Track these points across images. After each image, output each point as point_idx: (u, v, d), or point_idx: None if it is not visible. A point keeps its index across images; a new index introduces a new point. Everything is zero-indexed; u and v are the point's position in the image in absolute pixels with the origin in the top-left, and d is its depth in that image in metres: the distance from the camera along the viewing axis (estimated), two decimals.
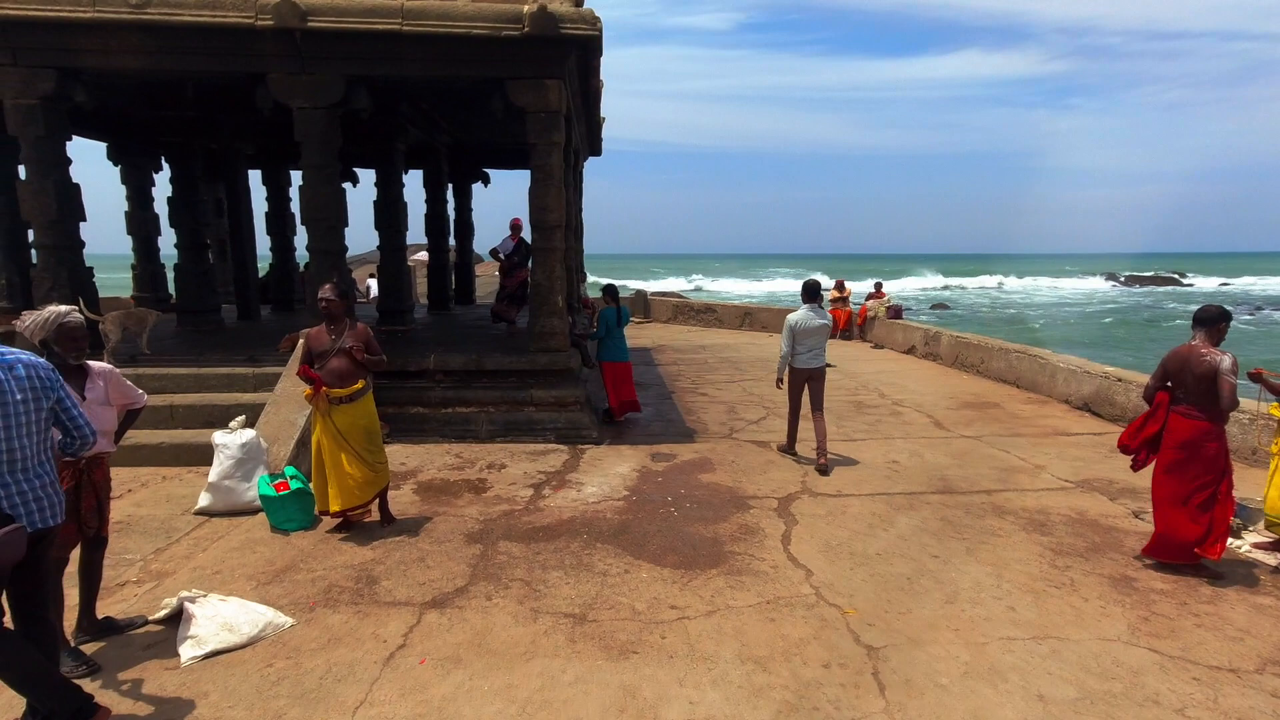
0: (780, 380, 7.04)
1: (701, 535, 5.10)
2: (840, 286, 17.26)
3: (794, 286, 65.68)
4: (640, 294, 22.42)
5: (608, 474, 6.57)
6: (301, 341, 4.92)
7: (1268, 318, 38.37)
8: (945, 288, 67.61)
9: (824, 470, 6.59)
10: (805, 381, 6.92)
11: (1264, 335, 30.76)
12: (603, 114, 13.11)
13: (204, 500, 5.36)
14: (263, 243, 12.99)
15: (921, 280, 75.24)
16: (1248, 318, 37.04)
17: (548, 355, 7.90)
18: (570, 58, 7.60)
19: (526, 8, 7.07)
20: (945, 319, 38.06)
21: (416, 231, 13.52)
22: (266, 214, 12.80)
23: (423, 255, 19.70)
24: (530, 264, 8.71)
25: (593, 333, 9.03)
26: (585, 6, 7.36)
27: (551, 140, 7.68)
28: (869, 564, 4.64)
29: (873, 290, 16.80)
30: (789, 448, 7.20)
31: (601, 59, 8.28)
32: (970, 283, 73.85)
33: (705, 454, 7.25)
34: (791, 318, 6.80)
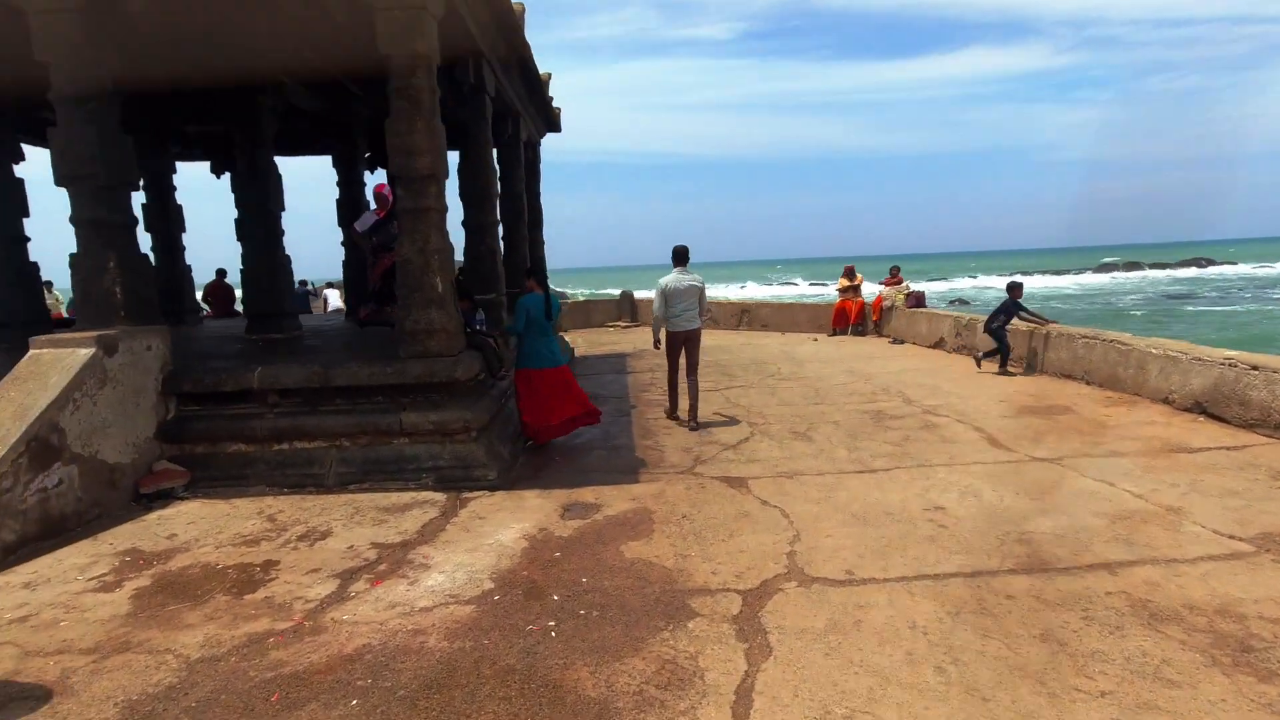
0: (657, 342, 7.17)
1: (581, 693, 2.64)
2: (850, 274, 14.74)
3: (809, 289, 62.97)
4: (626, 294, 20.01)
5: (479, 546, 4.12)
6: None
7: None
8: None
9: (695, 428, 6.78)
10: (682, 344, 6.95)
11: None
12: (546, 69, 10.75)
13: None
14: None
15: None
16: None
17: (423, 363, 5.48)
18: None
19: None
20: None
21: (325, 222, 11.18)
22: (144, 205, 10.53)
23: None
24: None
25: (510, 325, 6.66)
26: None
27: (414, 51, 5.30)
28: None
29: (888, 276, 14.27)
30: (672, 412, 7.19)
31: None
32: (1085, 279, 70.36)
33: (648, 502, 4.78)
34: (662, 280, 6.85)
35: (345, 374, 5.47)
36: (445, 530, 4.40)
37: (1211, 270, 67.95)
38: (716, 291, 62.95)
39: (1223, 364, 6.19)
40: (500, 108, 9.60)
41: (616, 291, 21.55)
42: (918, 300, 13.26)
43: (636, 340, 15.27)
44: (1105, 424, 6.40)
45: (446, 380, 5.46)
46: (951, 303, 41.95)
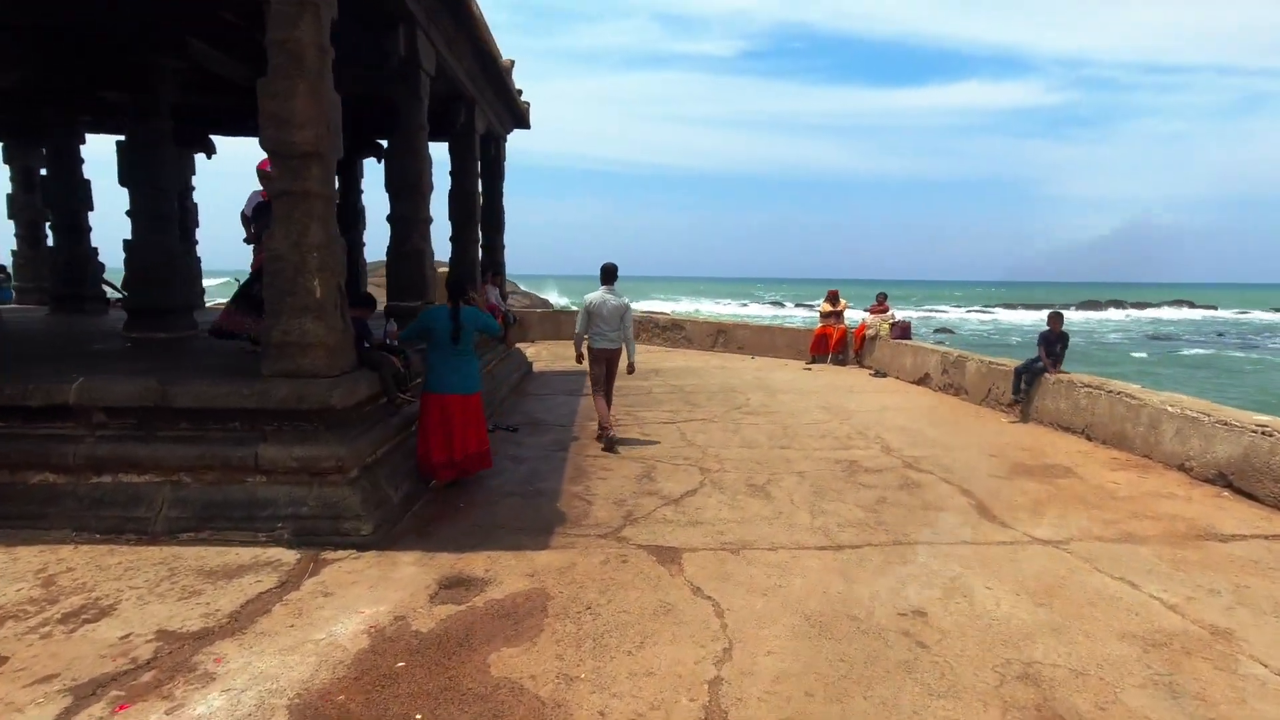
0: (580, 356, 6.93)
1: None
2: (834, 299, 13.83)
3: (794, 310, 61.97)
4: None
5: (302, 643, 3.04)
6: None
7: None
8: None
9: (610, 445, 6.57)
10: (605, 361, 6.85)
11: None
12: (508, 57, 9.77)
13: None
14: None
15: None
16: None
17: (291, 384, 4.40)
18: None
19: None
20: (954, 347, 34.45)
21: None
22: (43, 179, 9.39)
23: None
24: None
25: (397, 341, 5.66)
26: None
27: None
28: None
29: (874, 303, 13.35)
30: (603, 438, 6.70)
31: None
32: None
33: (550, 580, 3.73)
34: (587, 297, 6.83)
35: (190, 393, 4.37)
36: (271, 612, 3.32)
37: (1195, 313, 68.24)
38: (699, 308, 62.13)
39: (1255, 431, 5.26)
40: (447, 91, 8.60)
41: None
42: (903, 331, 12.35)
43: None
44: (1114, 494, 5.43)
45: (319, 407, 4.38)
46: (936, 331, 41.34)
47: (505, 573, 3.83)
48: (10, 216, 11.58)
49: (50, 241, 11.15)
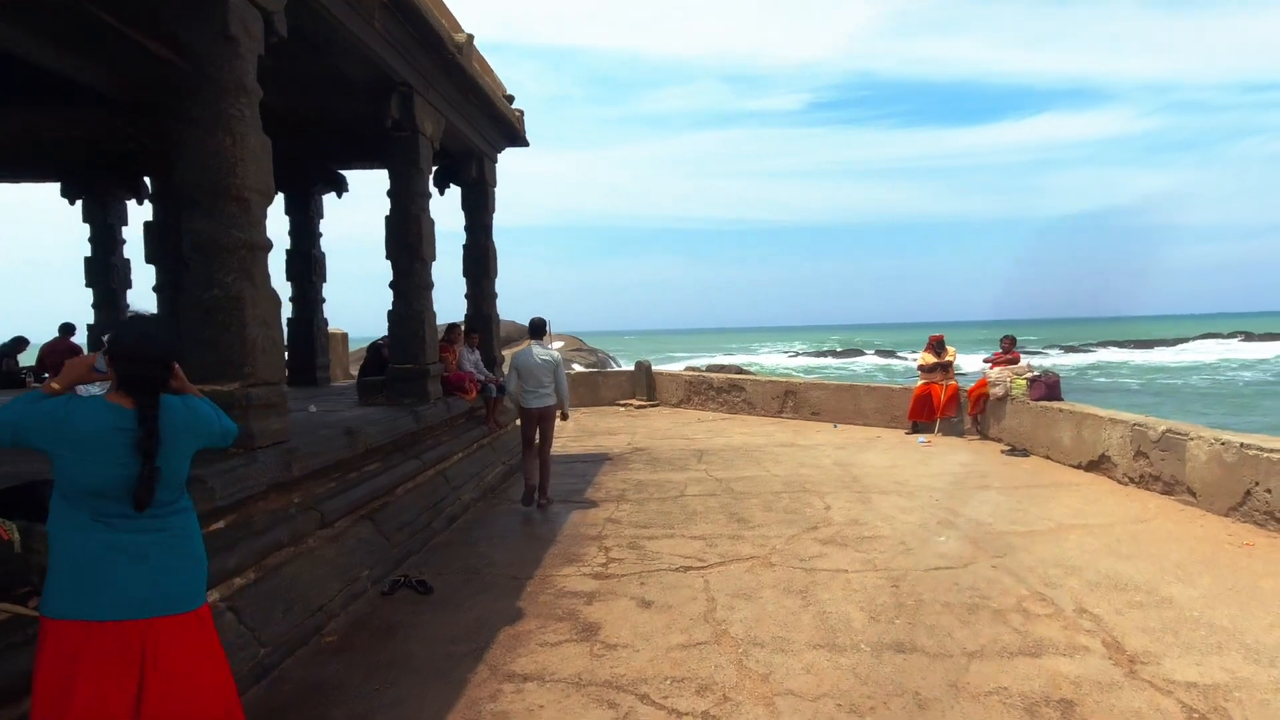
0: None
1: None
2: (938, 347, 10.29)
3: (877, 359, 56.71)
4: (642, 366, 15.92)
5: None
6: None
7: None
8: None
9: (543, 508, 6.30)
10: (536, 421, 6.43)
11: None
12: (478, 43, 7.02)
13: None
14: None
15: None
16: None
17: None
18: None
19: None
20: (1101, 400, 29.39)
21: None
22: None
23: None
24: None
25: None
26: None
27: None
28: None
29: (998, 350, 9.73)
30: (527, 499, 6.41)
31: None
32: None
33: None
34: (515, 357, 6.56)
35: None
36: None
37: None
38: (766, 361, 57.97)
39: None
40: (368, 75, 5.90)
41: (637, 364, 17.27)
42: (1049, 389, 8.61)
43: (640, 431, 11.11)
44: None
45: None
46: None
47: None
48: (88, 284, 9.40)
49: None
